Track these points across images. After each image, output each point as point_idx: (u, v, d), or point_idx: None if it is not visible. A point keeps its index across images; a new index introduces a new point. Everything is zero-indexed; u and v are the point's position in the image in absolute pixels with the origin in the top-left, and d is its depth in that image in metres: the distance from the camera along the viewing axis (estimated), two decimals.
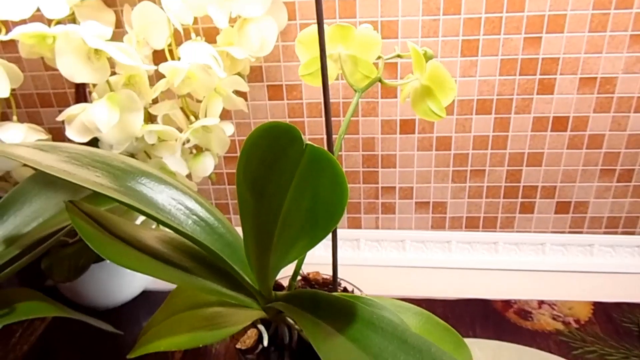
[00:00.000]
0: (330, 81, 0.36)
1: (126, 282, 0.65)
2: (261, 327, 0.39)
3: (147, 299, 0.68)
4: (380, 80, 0.37)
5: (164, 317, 0.40)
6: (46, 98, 0.68)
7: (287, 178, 0.28)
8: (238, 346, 0.39)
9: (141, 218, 0.55)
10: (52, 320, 0.65)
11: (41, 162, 0.32)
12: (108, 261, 0.60)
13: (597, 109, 0.63)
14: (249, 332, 0.39)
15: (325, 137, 0.37)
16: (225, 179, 0.72)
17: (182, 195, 0.38)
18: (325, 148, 0.29)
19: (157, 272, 0.35)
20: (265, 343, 0.39)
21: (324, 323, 0.33)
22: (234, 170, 0.71)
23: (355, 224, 0.73)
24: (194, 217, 0.37)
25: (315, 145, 0.26)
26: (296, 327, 0.39)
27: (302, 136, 0.26)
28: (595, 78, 0.62)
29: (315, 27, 0.33)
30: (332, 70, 0.38)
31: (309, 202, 0.29)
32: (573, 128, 0.65)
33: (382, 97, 0.64)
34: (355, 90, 0.37)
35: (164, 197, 0.37)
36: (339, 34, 0.37)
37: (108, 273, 0.62)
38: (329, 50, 0.38)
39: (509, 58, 0.61)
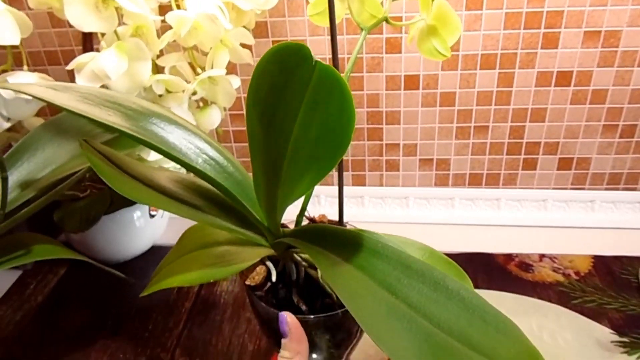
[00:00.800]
0: (338, 20, 0.36)
1: (136, 236, 0.66)
2: (269, 264, 0.41)
3: (156, 253, 0.69)
4: (386, 20, 0.38)
5: (175, 257, 0.42)
6: (53, 55, 0.69)
7: (296, 104, 0.29)
8: (247, 282, 0.40)
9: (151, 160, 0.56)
10: (64, 274, 0.67)
11: (55, 99, 0.33)
12: (118, 214, 0.62)
13: (601, 63, 0.63)
14: (257, 269, 0.40)
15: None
16: (231, 137, 0.73)
17: (192, 136, 0.38)
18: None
19: (170, 207, 0.36)
20: (274, 279, 0.40)
21: (331, 254, 0.35)
22: (241, 128, 0.72)
23: (359, 182, 0.74)
24: (204, 156, 0.38)
25: (325, 63, 0.26)
26: (303, 263, 0.41)
27: (312, 54, 0.27)
28: (600, 32, 0.62)
29: None
30: (340, 10, 0.39)
31: (317, 129, 0.30)
32: (577, 83, 0.65)
33: (386, 53, 0.65)
34: (362, 29, 0.37)
35: (175, 136, 0.38)
36: None
37: (118, 226, 0.63)
38: None
39: (513, 11, 0.61)
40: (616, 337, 0.54)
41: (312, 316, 0.37)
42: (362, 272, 0.32)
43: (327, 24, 0.36)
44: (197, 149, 0.39)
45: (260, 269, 0.41)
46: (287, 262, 0.41)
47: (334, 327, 0.39)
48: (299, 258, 0.41)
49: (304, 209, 0.41)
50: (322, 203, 0.75)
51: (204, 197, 0.40)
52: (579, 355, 0.52)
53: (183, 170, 0.58)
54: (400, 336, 0.28)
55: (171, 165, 0.54)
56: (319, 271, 0.40)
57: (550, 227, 0.71)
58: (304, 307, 0.39)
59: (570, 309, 0.57)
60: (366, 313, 0.29)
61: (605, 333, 0.54)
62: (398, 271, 0.32)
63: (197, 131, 0.39)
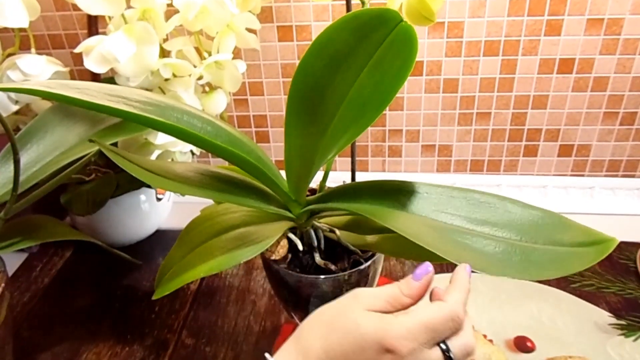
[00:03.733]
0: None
1: (141, 220, 0.67)
2: (292, 236, 0.42)
3: (161, 237, 0.70)
4: None
5: (185, 252, 0.42)
6: (57, 39, 0.69)
7: (359, 67, 0.31)
8: (273, 257, 0.41)
9: (154, 157, 0.56)
10: (70, 256, 0.68)
11: (56, 92, 0.32)
12: (124, 197, 0.62)
13: (603, 50, 0.64)
14: (281, 242, 0.41)
15: None
16: (235, 121, 0.74)
17: (206, 120, 0.39)
18: None
19: (196, 191, 0.37)
20: (301, 248, 0.41)
21: (374, 205, 0.37)
22: (245, 113, 0.73)
23: (362, 167, 0.75)
24: (223, 136, 0.39)
25: (408, 24, 0.27)
26: (324, 227, 0.42)
27: (399, 15, 0.28)
28: (602, 19, 0.62)
29: None
30: None
31: (371, 88, 0.32)
32: (579, 70, 0.65)
33: None
34: (363, 4, 0.38)
35: (189, 120, 0.38)
36: None
37: (124, 209, 0.64)
38: None
39: None
40: (614, 320, 0.55)
41: (345, 273, 0.40)
42: (411, 211, 0.36)
43: (327, 0, 0.38)
44: (215, 130, 0.39)
45: (284, 242, 0.42)
46: (306, 230, 0.42)
47: (360, 279, 0.42)
48: (318, 224, 0.43)
49: (327, 174, 0.42)
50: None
51: (224, 181, 0.41)
52: (578, 337, 0.53)
53: (188, 156, 0.59)
54: (472, 252, 0.32)
55: (178, 148, 0.54)
56: (337, 232, 0.43)
57: None
58: (333, 267, 0.41)
59: (569, 292, 0.58)
60: (431, 242, 0.32)
61: (603, 316, 0.55)
62: (443, 201, 0.36)
63: (210, 117, 0.40)
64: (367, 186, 0.39)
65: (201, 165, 0.42)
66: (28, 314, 0.59)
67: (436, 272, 0.33)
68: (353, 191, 0.39)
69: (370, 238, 0.43)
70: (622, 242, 0.65)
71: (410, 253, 0.40)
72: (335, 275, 0.40)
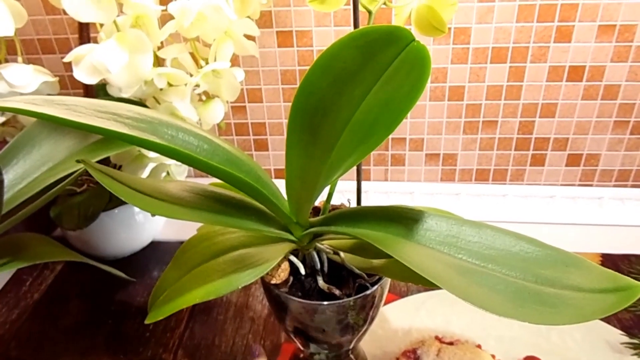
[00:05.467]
0: (341, 5, 0.36)
1: (135, 232, 0.65)
2: (294, 258, 0.39)
3: (156, 249, 0.68)
4: (385, 3, 0.37)
5: (180, 274, 0.40)
6: (47, 44, 0.66)
7: (367, 87, 0.28)
8: (273, 281, 0.39)
9: (148, 169, 0.54)
10: (61, 270, 0.65)
11: (40, 111, 0.30)
12: (116, 210, 0.60)
13: (615, 58, 0.62)
14: (282, 265, 0.39)
15: None
16: (232, 129, 0.71)
17: (202, 137, 0.36)
18: None
19: (192, 216, 0.35)
20: (303, 272, 0.39)
21: (379, 231, 0.34)
22: (242, 120, 0.70)
23: (364, 176, 0.73)
24: (220, 155, 0.36)
25: (421, 43, 0.25)
26: (327, 250, 0.40)
27: (411, 34, 0.26)
28: (615, 25, 0.60)
29: None
30: None
31: (378, 110, 0.29)
32: (589, 78, 0.63)
33: None
34: (369, 14, 0.37)
35: (184, 138, 0.35)
36: None
37: (117, 222, 0.61)
38: None
39: (526, 4, 0.59)
40: (626, 339, 0.53)
41: (350, 299, 0.38)
42: (417, 241, 0.34)
43: (327, 9, 0.36)
44: (211, 148, 0.37)
45: (285, 265, 0.39)
46: (308, 252, 0.40)
47: (366, 304, 0.41)
48: (322, 246, 0.41)
49: (331, 195, 0.40)
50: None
51: (220, 201, 0.38)
52: (589, 356, 0.51)
53: (184, 168, 0.56)
54: (480, 289, 0.30)
55: (173, 161, 0.52)
56: (342, 255, 0.41)
57: (558, 223, 0.70)
58: (338, 292, 0.39)
59: None
60: (438, 275, 0.30)
61: (614, 334, 0.53)
62: (453, 234, 0.34)
63: (206, 134, 0.37)
64: (373, 211, 0.37)
65: (196, 184, 0.40)
66: (17, 331, 0.57)
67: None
68: (358, 215, 0.37)
69: (377, 262, 0.40)
70: (632, 255, 0.64)
71: (418, 279, 0.38)
72: (340, 301, 0.38)
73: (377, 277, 0.40)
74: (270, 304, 0.43)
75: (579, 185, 0.71)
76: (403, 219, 0.35)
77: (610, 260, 0.64)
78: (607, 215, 0.70)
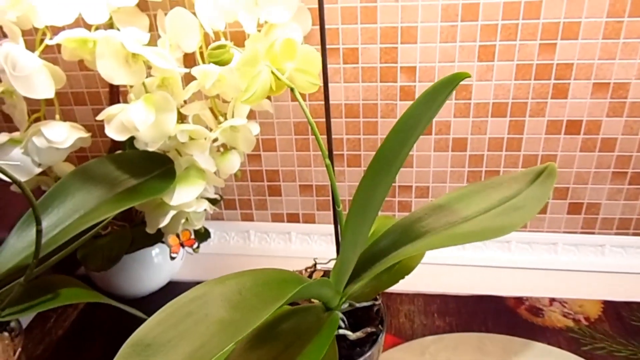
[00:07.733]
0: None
1: (154, 273, 0.68)
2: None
3: (174, 289, 0.71)
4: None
5: None
6: (80, 97, 0.72)
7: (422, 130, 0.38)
8: None
9: (169, 217, 0.57)
10: (84, 307, 0.69)
11: None
12: (139, 252, 0.64)
13: (610, 113, 0.65)
14: None
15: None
16: (248, 176, 0.75)
17: None
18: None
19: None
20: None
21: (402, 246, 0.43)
22: (257, 168, 0.74)
23: None
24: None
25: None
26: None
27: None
28: (609, 83, 0.63)
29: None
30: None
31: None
32: (586, 131, 0.66)
33: (400, 100, 0.67)
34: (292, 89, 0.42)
35: None
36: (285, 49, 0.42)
37: (138, 263, 0.65)
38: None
39: (524, 63, 0.63)
40: None
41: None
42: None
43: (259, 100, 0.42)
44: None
45: None
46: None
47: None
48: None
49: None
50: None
51: (264, 299, 0.39)
52: None
53: (201, 216, 0.60)
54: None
55: (192, 209, 0.56)
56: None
57: (561, 270, 0.72)
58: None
59: (580, 355, 0.58)
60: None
61: None
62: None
63: None
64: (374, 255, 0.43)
65: (241, 285, 0.41)
66: None
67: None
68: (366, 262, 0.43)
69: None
70: (633, 303, 0.66)
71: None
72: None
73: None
74: None
75: (581, 232, 0.73)
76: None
77: (612, 307, 0.65)
78: (609, 262, 0.72)
